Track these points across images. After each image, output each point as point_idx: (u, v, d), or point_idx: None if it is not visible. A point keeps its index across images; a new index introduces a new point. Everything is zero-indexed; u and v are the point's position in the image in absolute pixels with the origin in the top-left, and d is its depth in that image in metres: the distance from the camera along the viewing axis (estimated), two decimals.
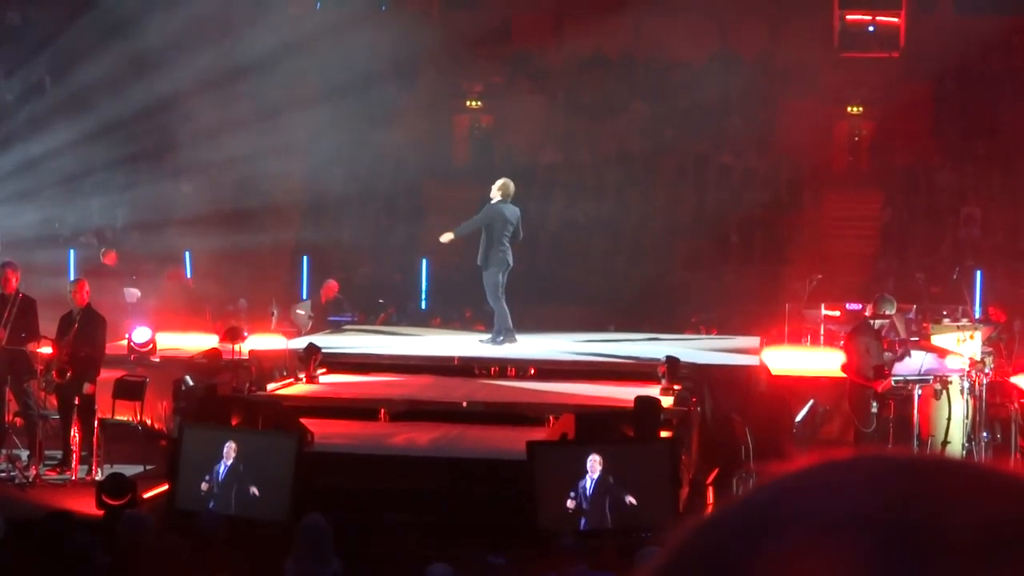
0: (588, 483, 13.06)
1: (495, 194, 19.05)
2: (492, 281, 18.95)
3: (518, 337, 19.55)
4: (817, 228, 29.56)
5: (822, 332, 20.85)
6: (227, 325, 19.72)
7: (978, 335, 17.36)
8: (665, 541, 1.21)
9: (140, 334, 19.39)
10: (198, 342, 19.86)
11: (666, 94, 30.91)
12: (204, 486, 13.62)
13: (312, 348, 17.89)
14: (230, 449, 13.60)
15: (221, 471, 13.58)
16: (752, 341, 20.28)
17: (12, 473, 16.22)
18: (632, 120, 31.67)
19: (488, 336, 19.41)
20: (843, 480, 1.20)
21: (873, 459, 1.23)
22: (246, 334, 19.15)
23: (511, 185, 19.14)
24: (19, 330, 16.80)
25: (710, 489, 15.41)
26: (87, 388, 16.55)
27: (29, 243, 24.69)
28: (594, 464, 13.08)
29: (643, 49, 32.28)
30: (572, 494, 13.02)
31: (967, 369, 16.42)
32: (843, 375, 16.78)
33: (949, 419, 16.43)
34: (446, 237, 19.37)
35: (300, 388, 17.24)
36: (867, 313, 17.44)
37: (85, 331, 16.74)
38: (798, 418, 17.41)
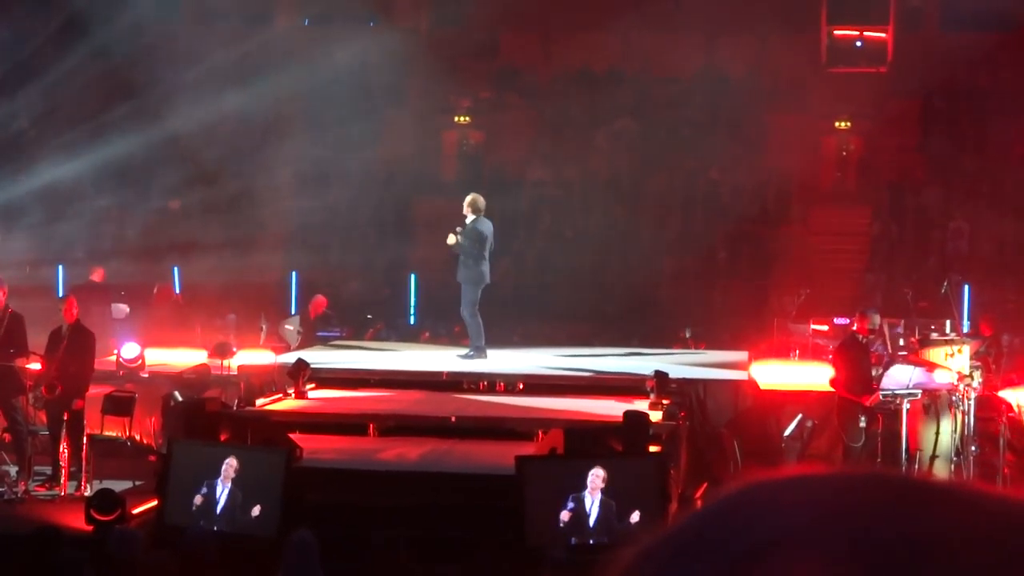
0: (588, 500, 13.03)
1: (468, 212, 19.08)
2: (471, 297, 19.01)
3: (504, 352, 19.61)
4: (805, 243, 29.61)
5: (810, 347, 20.88)
6: (216, 341, 19.72)
7: (966, 349, 17.39)
8: (609, 567, 1.23)
9: (129, 350, 19.36)
10: (187, 358, 19.83)
11: (654, 109, 30.93)
12: (196, 501, 13.59)
13: (301, 363, 17.88)
14: (229, 467, 13.55)
15: (216, 487, 13.56)
16: (740, 356, 20.29)
17: (1, 489, 16.19)
18: (620, 135, 31.69)
19: (466, 351, 19.43)
20: (783, 498, 1.22)
21: (804, 479, 1.24)
22: (235, 349, 19.15)
23: (480, 200, 19.18)
24: (7, 346, 16.77)
25: (699, 504, 15.40)
26: (76, 404, 16.53)
27: (19, 260, 24.67)
28: (596, 480, 13.05)
29: (631, 65, 32.31)
30: (568, 508, 12.98)
31: (955, 383, 16.45)
32: (832, 389, 16.80)
33: (937, 433, 16.47)
34: (451, 239, 19.16)
35: (289, 403, 17.23)
36: (853, 327, 17.48)
37: (74, 347, 16.73)
38: (787, 432, 17.42)
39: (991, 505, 1.19)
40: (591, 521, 13.00)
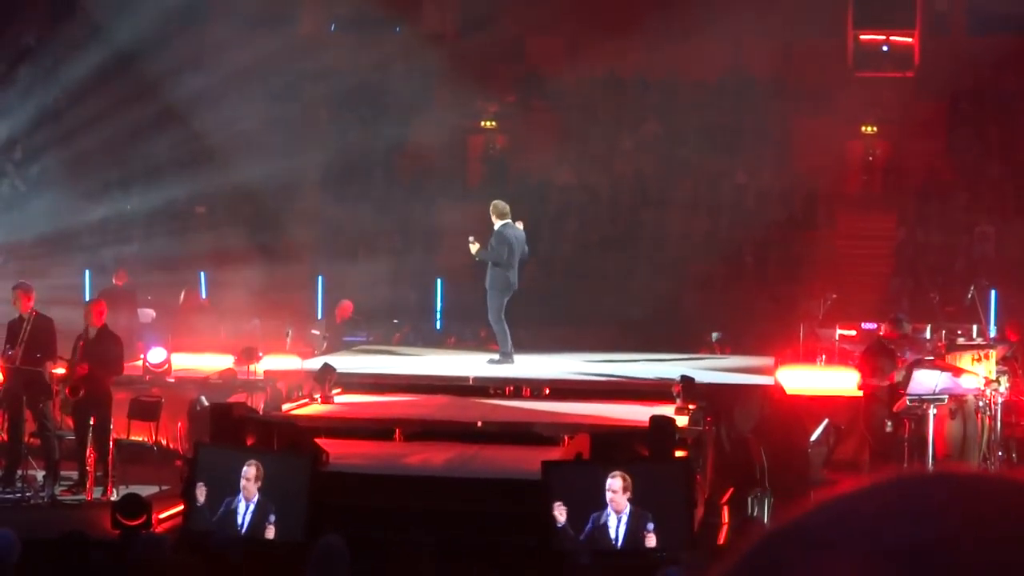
0: (615, 520, 12.93)
1: (495, 219, 18.93)
2: (497, 303, 18.90)
3: (530, 357, 19.58)
4: (831, 248, 29.55)
5: (837, 352, 20.83)
6: (242, 345, 19.74)
7: (992, 354, 17.34)
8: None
9: (155, 354, 19.40)
10: (213, 362, 19.88)
11: (679, 114, 30.94)
12: (222, 506, 13.60)
13: (327, 368, 17.87)
14: (249, 471, 13.54)
15: (238, 493, 13.56)
16: (767, 360, 20.23)
17: (28, 493, 16.24)
18: (645, 140, 31.70)
19: (496, 356, 19.38)
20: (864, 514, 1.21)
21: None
22: (261, 354, 19.16)
23: (501, 204, 19.03)
24: (34, 350, 16.78)
25: (725, 509, 15.36)
26: (102, 411, 16.53)
27: (45, 263, 24.76)
28: (617, 496, 12.94)
29: (656, 69, 32.32)
30: (589, 526, 12.91)
31: (982, 388, 16.39)
32: (859, 394, 16.76)
33: (964, 439, 16.41)
34: (474, 248, 19.05)
35: (315, 408, 17.22)
36: (881, 333, 17.44)
37: (100, 351, 16.74)
38: (813, 437, 17.38)
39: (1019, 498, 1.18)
40: (615, 532, 12.94)
